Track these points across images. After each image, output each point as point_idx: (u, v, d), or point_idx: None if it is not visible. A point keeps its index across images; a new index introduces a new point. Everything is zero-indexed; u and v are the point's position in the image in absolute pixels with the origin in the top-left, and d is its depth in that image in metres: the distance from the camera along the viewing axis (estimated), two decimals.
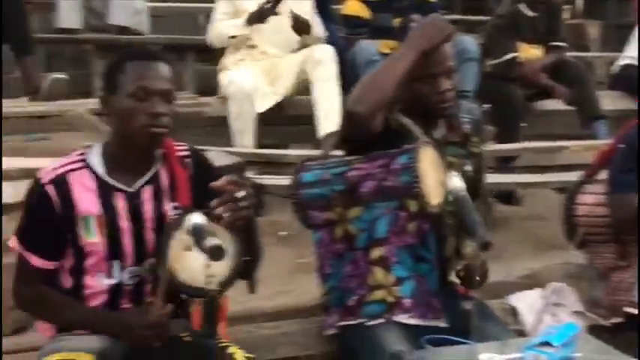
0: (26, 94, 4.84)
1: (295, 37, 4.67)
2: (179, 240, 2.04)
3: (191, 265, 2.04)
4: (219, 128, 4.51)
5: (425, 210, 2.31)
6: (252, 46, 4.63)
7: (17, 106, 4.71)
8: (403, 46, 2.45)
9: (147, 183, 2.15)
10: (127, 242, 2.13)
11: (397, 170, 2.33)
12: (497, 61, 5.03)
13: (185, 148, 2.24)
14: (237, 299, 3.18)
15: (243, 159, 3.65)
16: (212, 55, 5.82)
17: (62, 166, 2.13)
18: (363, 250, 2.43)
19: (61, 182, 2.10)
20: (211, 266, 1.95)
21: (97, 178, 2.13)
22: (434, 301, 2.44)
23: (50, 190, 2.09)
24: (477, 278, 2.39)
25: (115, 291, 2.15)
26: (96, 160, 2.14)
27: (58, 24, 5.53)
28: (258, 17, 4.57)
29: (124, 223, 2.12)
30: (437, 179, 2.31)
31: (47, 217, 2.09)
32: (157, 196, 2.16)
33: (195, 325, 2.11)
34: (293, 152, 4.34)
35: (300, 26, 4.61)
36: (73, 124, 4.12)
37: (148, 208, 2.14)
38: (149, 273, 2.13)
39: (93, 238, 2.10)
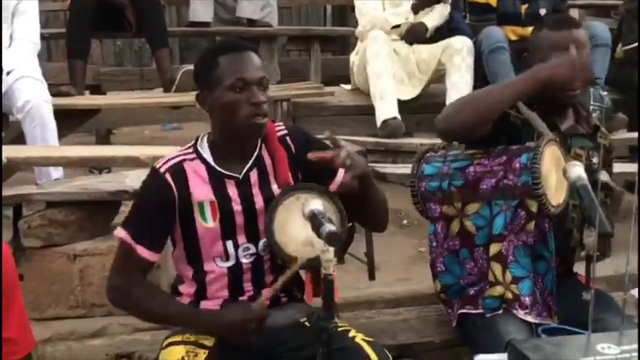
0: (162, 85, 5.04)
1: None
2: (284, 215, 2.11)
3: (299, 237, 2.10)
4: (342, 118, 4.57)
5: (545, 211, 2.27)
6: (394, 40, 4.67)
7: (153, 97, 4.92)
8: (522, 74, 2.36)
9: (252, 167, 2.22)
10: (240, 224, 2.19)
11: (517, 169, 2.29)
12: (630, 46, 4.85)
13: (283, 127, 2.28)
14: (358, 285, 3.25)
15: (364, 147, 3.68)
16: (337, 45, 5.90)
17: (177, 156, 2.21)
18: (483, 247, 2.41)
19: (178, 170, 2.17)
20: (328, 251, 1.98)
21: (208, 167, 2.20)
22: (550, 300, 2.41)
23: (169, 177, 2.16)
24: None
25: (234, 272, 2.21)
26: (205, 150, 2.22)
27: (190, 18, 5.72)
28: (424, 3, 4.61)
29: (237, 207, 2.19)
30: (560, 179, 2.25)
31: (164, 205, 2.16)
32: (263, 178, 2.22)
33: (309, 298, 2.12)
34: (414, 141, 4.34)
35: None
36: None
37: (256, 191, 2.21)
38: (265, 251, 2.19)
39: (208, 223, 2.18)
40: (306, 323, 2.22)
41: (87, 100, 4.73)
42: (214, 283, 2.22)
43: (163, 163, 2.19)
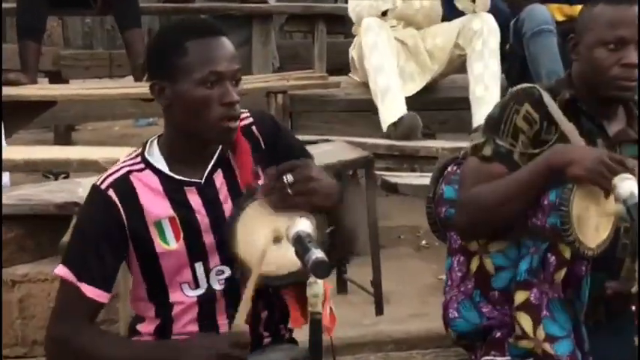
0: (132, 73, 5.02)
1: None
2: (249, 225, 2.06)
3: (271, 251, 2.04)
4: (349, 114, 4.55)
5: (581, 255, 2.22)
6: (392, 26, 4.64)
7: (119, 87, 4.91)
8: (531, 163, 2.30)
9: (215, 167, 2.18)
10: (209, 241, 2.16)
11: (546, 208, 2.23)
12: None
13: (248, 114, 2.25)
14: (362, 322, 3.22)
15: (371, 152, 3.65)
16: (347, 26, 5.85)
17: (121, 167, 2.17)
18: (500, 292, 2.37)
19: (124, 185, 2.14)
20: (316, 284, 1.93)
21: (162, 176, 2.16)
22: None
23: (114, 195, 2.13)
24: None
25: (206, 301, 2.17)
26: (155, 157, 2.17)
27: None
28: None
29: (203, 219, 2.16)
30: (602, 211, 2.21)
31: (111, 231, 2.12)
32: (230, 179, 2.19)
33: (295, 322, 2.10)
34: (435, 144, 4.31)
35: None
36: None
37: (224, 196, 2.17)
38: (240, 273, 2.13)
39: (170, 245, 2.14)
40: None
41: (40, 90, 4.72)
42: (181, 316, 2.18)
43: (105, 179, 2.16)
